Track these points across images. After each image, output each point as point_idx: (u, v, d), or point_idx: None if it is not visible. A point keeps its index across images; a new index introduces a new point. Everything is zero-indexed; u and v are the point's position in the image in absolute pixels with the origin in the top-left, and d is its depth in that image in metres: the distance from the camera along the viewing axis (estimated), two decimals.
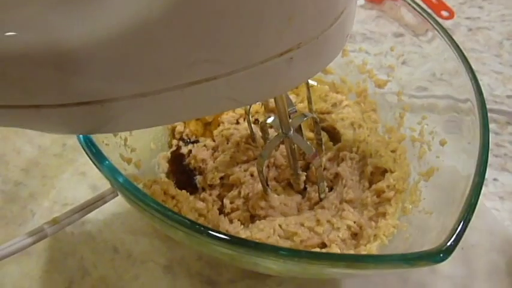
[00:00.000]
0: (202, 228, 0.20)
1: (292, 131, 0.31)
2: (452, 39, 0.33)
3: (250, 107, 0.36)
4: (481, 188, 0.22)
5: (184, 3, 0.16)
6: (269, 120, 0.32)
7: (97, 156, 0.24)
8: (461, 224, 0.20)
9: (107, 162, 0.24)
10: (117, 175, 0.23)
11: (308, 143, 0.32)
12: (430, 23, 0.34)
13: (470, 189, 0.22)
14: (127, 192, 0.23)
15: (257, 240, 0.29)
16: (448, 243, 0.19)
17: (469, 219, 0.20)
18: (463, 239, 0.39)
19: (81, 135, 0.25)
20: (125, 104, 0.19)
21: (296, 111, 0.31)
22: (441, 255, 0.19)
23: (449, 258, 0.38)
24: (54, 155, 0.45)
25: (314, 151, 0.30)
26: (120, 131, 0.30)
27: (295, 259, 0.19)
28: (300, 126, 0.34)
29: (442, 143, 0.30)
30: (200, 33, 0.17)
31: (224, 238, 0.20)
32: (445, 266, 0.37)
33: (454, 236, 0.20)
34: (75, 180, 0.43)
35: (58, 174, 0.44)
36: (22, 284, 0.36)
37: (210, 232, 0.20)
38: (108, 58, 0.17)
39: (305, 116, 0.32)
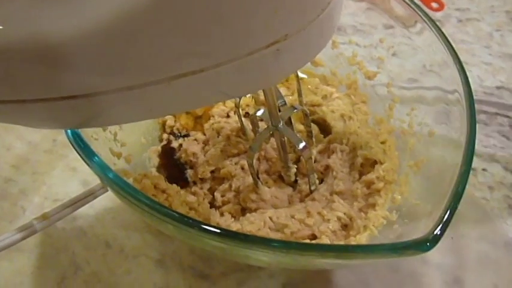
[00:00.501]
0: (191, 221, 0.20)
1: (282, 124, 0.31)
2: (441, 31, 0.33)
3: (240, 100, 0.36)
4: (467, 177, 0.22)
5: None
6: (259, 113, 0.32)
7: (85, 151, 0.24)
8: (447, 212, 0.20)
9: (95, 157, 0.24)
10: (106, 170, 0.23)
11: (298, 135, 0.32)
12: (419, 15, 0.35)
13: (457, 178, 0.22)
14: (116, 186, 0.23)
15: (247, 233, 0.29)
16: (435, 232, 0.20)
17: (455, 208, 0.21)
18: (452, 228, 0.39)
19: (69, 131, 0.25)
20: (112, 98, 0.19)
21: (286, 103, 0.32)
22: (428, 244, 0.19)
23: (439, 248, 0.38)
24: (44, 151, 0.45)
25: (304, 143, 0.30)
26: (108, 125, 0.30)
27: (285, 250, 0.19)
28: (290, 119, 0.34)
29: (431, 134, 0.31)
30: (186, 26, 0.17)
31: (214, 231, 0.20)
32: (435, 256, 0.38)
33: (441, 225, 0.20)
34: (66, 176, 0.43)
35: (49, 170, 0.43)
36: (14, 280, 0.36)
37: (200, 225, 0.20)
38: (93, 51, 0.17)
39: (295, 108, 0.32)
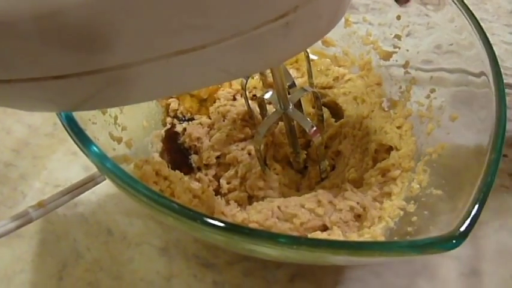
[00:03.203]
0: (192, 213, 0.18)
1: (291, 107, 0.29)
2: (464, 4, 0.30)
3: (246, 82, 0.34)
4: (497, 165, 0.20)
5: None
6: (267, 96, 0.30)
7: (80, 137, 0.22)
8: (476, 205, 0.18)
9: (91, 145, 0.22)
10: (100, 157, 0.21)
11: (308, 119, 0.30)
12: None
13: (486, 167, 0.20)
14: (112, 175, 0.21)
15: (254, 224, 0.28)
16: (462, 228, 0.18)
17: (485, 200, 0.19)
18: None
19: (63, 115, 0.23)
20: (104, 77, 0.18)
21: (295, 85, 0.29)
22: (454, 241, 0.18)
23: None
24: (45, 135, 0.44)
25: (315, 128, 0.28)
26: (103, 107, 0.29)
27: (294, 247, 0.17)
28: (299, 102, 0.32)
29: (453, 118, 0.29)
30: None
31: (216, 225, 0.18)
32: None
33: (469, 220, 0.18)
34: (67, 161, 0.42)
35: (49, 155, 0.42)
36: (14, 267, 0.35)
37: (202, 218, 0.19)
38: (80, 24, 0.15)
39: (305, 90, 0.30)
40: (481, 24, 0.53)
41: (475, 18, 0.29)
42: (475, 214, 0.18)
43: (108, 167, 0.21)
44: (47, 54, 0.16)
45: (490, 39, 0.51)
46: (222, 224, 0.18)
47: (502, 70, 0.48)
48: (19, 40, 0.16)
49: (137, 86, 0.19)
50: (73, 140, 0.23)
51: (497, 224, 0.37)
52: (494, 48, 0.51)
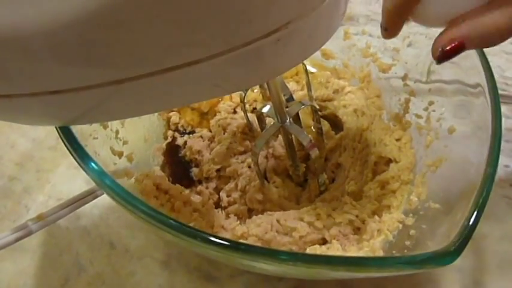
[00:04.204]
0: (189, 230, 0.19)
1: (288, 120, 0.29)
2: None
3: (245, 95, 0.35)
4: (493, 180, 0.20)
5: None
6: (264, 110, 0.31)
7: (78, 153, 0.22)
8: (470, 221, 0.18)
9: (89, 161, 0.22)
10: (100, 175, 0.21)
11: (305, 133, 0.30)
12: None
13: (481, 182, 0.20)
14: (110, 191, 0.21)
15: (254, 237, 0.28)
16: (456, 244, 0.18)
17: (480, 215, 0.19)
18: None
19: (62, 131, 0.24)
20: (100, 92, 0.18)
21: (293, 99, 0.30)
22: (449, 257, 0.17)
23: None
24: (48, 148, 0.44)
25: (311, 142, 0.28)
26: (100, 121, 0.29)
27: (291, 263, 0.17)
28: (298, 115, 0.32)
29: (451, 131, 0.29)
30: (176, 13, 0.16)
31: (214, 241, 0.18)
32: None
33: (463, 236, 0.18)
34: (70, 174, 0.42)
35: (53, 168, 0.43)
36: (17, 281, 0.35)
37: (200, 235, 0.19)
38: (76, 42, 0.16)
39: (303, 104, 0.30)
40: None
41: None
42: (469, 230, 0.18)
43: (106, 183, 0.21)
44: (47, 69, 0.17)
45: (491, 49, 0.51)
46: (219, 241, 0.18)
47: (502, 80, 0.48)
48: (23, 56, 0.17)
49: (132, 100, 0.19)
50: (72, 155, 0.23)
51: (500, 235, 0.37)
52: (495, 58, 0.51)
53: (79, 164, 0.23)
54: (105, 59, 0.17)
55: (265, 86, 0.37)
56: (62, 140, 0.24)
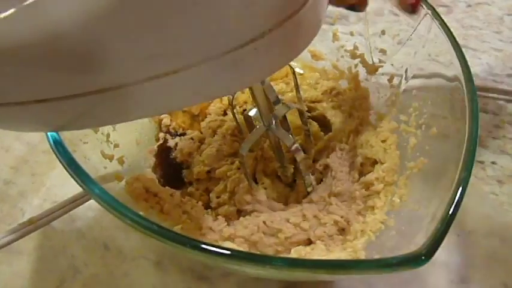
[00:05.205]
0: (170, 234, 0.19)
1: (274, 123, 0.29)
2: (439, 16, 0.31)
3: (233, 98, 0.35)
4: (467, 184, 0.21)
5: None
6: (251, 113, 0.31)
7: (65, 159, 0.23)
8: (443, 225, 0.19)
9: (76, 167, 0.23)
10: (86, 182, 0.22)
11: (290, 136, 0.30)
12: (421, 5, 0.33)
13: (454, 186, 0.21)
14: (96, 197, 0.22)
15: (240, 239, 0.28)
16: (427, 248, 0.18)
17: (452, 220, 0.19)
18: (459, 225, 0.38)
19: (50, 138, 0.24)
20: (85, 101, 0.19)
21: (279, 101, 0.30)
22: (422, 258, 0.18)
23: (446, 246, 0.37)
24: (43, 152, 0.45)
25: (296, 145, 0.29)
26: (88, 127, 0.30)
27: (266, 267, 0.18)
28: (285, 117, 0.33)
29: (433, 132, 0.29)
30: (152, 26, 0.16)
31: (196, 246, 0.19)
32: (441, 254, 0.36)
33: (434, 240, 0.18)
34: (65, 177, 0.41)
35: (47, 171, 0.43)
36: (13, 284, 0.36)
37: (181, 240, 0.19)
38: (57, 55, 0.16)
39: (288, 107, 0.31)
40: (472, 32, 0.54)
41: (449, 29, 0.30)
42: (441, 233, 0.19)
43: (91, 189, 0.22)
44: (33, 79, 0.17)
45: (480, 47, 0.52)
46: (201, 246, 0.19)
47: (491, 77, 0.49)
48: (8, 66, 0.17)
49: (114, 108, 0.20)
50: (60, 162, 0.24)
51: (486, 231, 0.37)
52: (484, 55, 0.51)
53: (66, 170, 0.24)
54: (87, 70, 0.17)
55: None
56: (51, 146, 0.25)
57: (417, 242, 0.21)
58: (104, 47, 0.16)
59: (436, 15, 0.30)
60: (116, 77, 0.18)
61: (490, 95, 0.47)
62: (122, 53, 0.17)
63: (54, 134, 0.25)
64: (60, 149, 0.24)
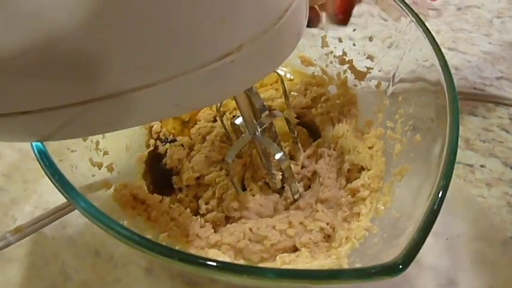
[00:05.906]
0: (149, 245, 0.20)
1: (259, 132, 0.30)
2: (422, 23, 0.31)
3: (220, 105, 0.35)
4: (445, 193, 0.21)
5: (104, 9, 0.15)
6: (237, 121, 0.31)
7: (49, 169, 0.23)
8: (418, 235, 0.19)
9: (59, 178, 0.23)
10: (67, 187, 0.22)
11: (275, 144, 0.30)
12: (401, 7, 0.33)
13: (433, 195, 0.21)
14: (81, 209, 0.22)
15: (227, 246, 0.29)
16: (403, 258, 0.18)
17: (429, 229, 0.19)
18: (447, 228, 0.38)
19: (35, 148, 0.25)
20: (67, 112, 0.19)
21: (266, 109, 0.30)
22: (396, 270, 0.18)
23: (434, 249, 0.37)
24: (34, 159, 0.44)
25: (281, 154, 0.29)
26: (72, 137, 0.30)
27: (238, 274, 0.18)
28: (272, 125, 0.33)
29: (417, 139, 0.29)
30: (125, 41, 0.16)
31: (179, 258, 0.19)
32: (429, 257, 0.37)
33: (411, 250, 0.19)
34: None
35: (39, 178, 0.43)
36: None
37: (162, 251, 0.20)
38: (34, 69, 0.16)
39: (274, 115, 0.31)
40: (462, 35, 0.54)
41: (431, 35, 0.30)
42: (416, 245, 0.19)
43: (76, 200, 0.22)
44: (16, 91, 0.17)
45: (470, 50, 0.52)
46: (182, 256, 0.19)
47: (480, 80, 0.49)
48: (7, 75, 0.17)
49: (94, 120, 0.20)
50: (44, 172, 0.24)
51: (474, 234, 0.37)
52: (474, 58, 0.52)
53: (50, 180, 0.24)
54: (63, 83, 0.18)
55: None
56: (36, 156, 0.25)
57: (397, 250, 0.21)
58: (80, 61, 0.17)
59: (421, 23, 0.31)
60: (96, 89, 0.18)
61: (479, 97, 0.47)
62: (104, 66, 0.17)
63: (39, 144, 0.25)
64: (44, 160, 0.24)
